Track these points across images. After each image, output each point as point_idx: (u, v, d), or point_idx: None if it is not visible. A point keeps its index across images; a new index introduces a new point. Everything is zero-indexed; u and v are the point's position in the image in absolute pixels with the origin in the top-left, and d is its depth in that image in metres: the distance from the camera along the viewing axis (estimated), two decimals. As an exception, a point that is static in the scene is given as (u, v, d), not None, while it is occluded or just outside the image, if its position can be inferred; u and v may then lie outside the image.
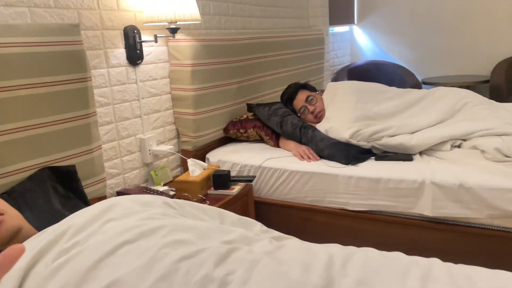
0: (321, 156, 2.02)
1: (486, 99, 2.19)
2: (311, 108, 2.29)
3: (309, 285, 0.77)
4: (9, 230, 0.95)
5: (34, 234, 1.03)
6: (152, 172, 2.01)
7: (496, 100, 2.35)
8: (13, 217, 0.99)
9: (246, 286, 0.76)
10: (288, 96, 2.38)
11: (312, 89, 2.45)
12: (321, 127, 2.12)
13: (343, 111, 2.11)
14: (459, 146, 1.93)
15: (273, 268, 0.81)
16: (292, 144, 2.14)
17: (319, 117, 2.27)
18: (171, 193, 1.88)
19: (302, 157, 2.03)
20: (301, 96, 2.34)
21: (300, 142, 2.14)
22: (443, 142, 1.92)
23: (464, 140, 1.93)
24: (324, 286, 0.77)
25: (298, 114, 2.33)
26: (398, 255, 0.90)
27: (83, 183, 1.52)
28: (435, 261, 0.86)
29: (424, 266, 0.83)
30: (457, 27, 4.19)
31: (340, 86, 2.34)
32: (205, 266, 0.80)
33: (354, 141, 1.95)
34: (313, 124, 2.21)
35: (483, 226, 1.64)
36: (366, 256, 0.87)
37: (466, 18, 4.13)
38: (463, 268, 0.84)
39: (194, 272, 0.79)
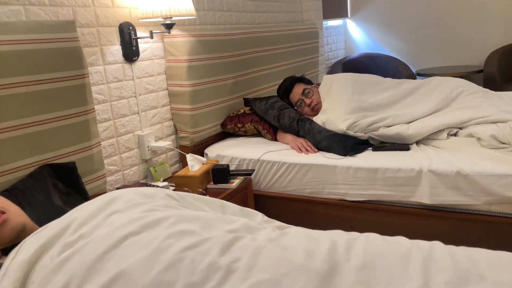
0: (319, 148, 2.04)
1: (480, 88, 2.21)
2: (307, 101, 2.30)
3: (313, 269, 0.78)
4: (13, 228, 0.96)
5: (37, 228, 1.03)
6: (151, 168, 2.02)
7: (490, 90, 2.37)
8: (16, 215, 0.99)
9: (252, 272, 0.78)
10: (285, 89, 2.39)
11: (308, 82, 2.46)
12: (318, 119, 2.13)
13: (340, 103, 2.12)
14: (455, 135, 1.95)
15: (277, 254, 0.82)
16: (289, 137, 2.15)
17: (315, 110, 2.28)
18: (171, 188, 1.88)
19: (300, 150, 2.04)
20: (298, 89, 2.35)
21: (297, 135, 2.15)
22: (440, 131, 1.94)
23: (460, 128, 1.95)
24: (328, 270, 0.79)
25: (295, 107, 2.34)
26: (399, 239, 0.91)
27: (84, 179, 1.52)
28: (436, 244, 0.87)
29: (425, 248, 0.85)
30: (450, 19, 4.20)
31: (336, 78, 2.35)
32: (210, 255, 0.81)
33: (351, 132, 1.97)
34: (310, 117, 2.22)
35: (481, 213, 1.66)
36: (369, 241, 0.89)
37: (459, 9, 4.14)
38: (464, 250, 0.85)
39: (200, 260, 0.80)
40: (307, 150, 2.02)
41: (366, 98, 2.16)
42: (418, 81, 2.34)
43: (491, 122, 1.87)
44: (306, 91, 2.32)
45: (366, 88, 2.24)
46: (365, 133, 2.00)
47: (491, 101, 2.06)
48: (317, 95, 2.33)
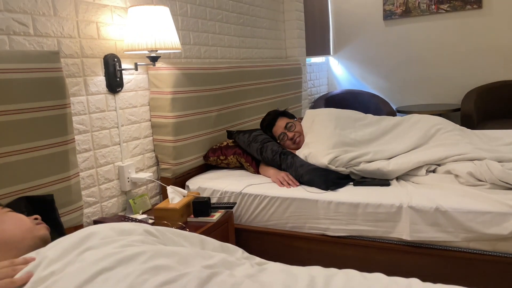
0: (301, 182, 2.04)
1: (457, 126, 2.28)
2: (290, 134, 2.33)
3: (291, 307, 0.77)
4: (47, 234, 1.05)
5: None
6: (130, 200, 1.98)
7: (467, 127, 2.44)
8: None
9: (229, 309, 0.76)
10: (268, 123, 2.42)
11: (291, 116, 2.49)
12: (301, 153, 2.14)
13: (322, 137, 2.15)
14: (434, 171, 1.99)
15: (255, 291, 0.80)
16: (271, 170, 2.16)
17: (297, 143, 2.30)
18: (150, 221, 1.85)
19: (282, 183, 2.04)
20: (280, 123, 2.38)
21: (280, 168, 2.16)
22: (419, 167, 1.98)
23: (438, 165, 1.99)
24: (306, 308, 0.77)
25: (278, 141, 2.36)
26: (378, 276, 0.90)
27: (60, 211, 1.49)
28: (414, 281, 0.87)
29: (403, 285, 0.84)
30: (429, 58, 4.37)
31: (319, 113, 2.39)
32: (186, 291, 0.79)
33: (333, 167, 1.98)
34: (292, 151, 2.24)
35: (459, 249, 1.67)
36: (347, 277, 0.88)
37: (438, 50, 4.32)
38: (441, 287, 0.85)
39: (175, 297, 0.78)
40: (288, 184, 2.03)
41: (348, 134, 2.20)
42: (398, 118, 2.40)
43: (468, 160, 1.91)
44: (288, 125, 2.35)
45: (348, 124, 2.28)
46: (346, 168, 2.01)
47: (468, 139, 2.12)
48: (299, 129, 2.36)
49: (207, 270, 0.86)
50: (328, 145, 2.07)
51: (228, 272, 0.88)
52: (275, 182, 2.08)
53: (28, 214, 1.35)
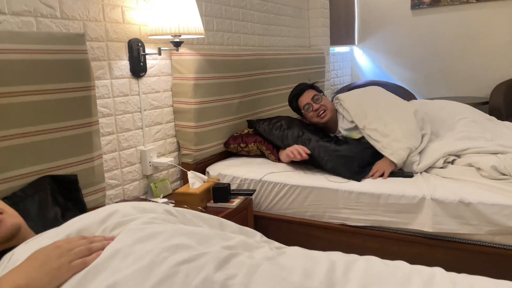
0: (324, 169, 2.02)
1: (486, 115, 2.21)
2: (315, 106, 2.30)
3: (310, 290, 0.76)
4: (9, 228, 0.95)
5: (32, 234, 1.02)
6: (152, 184, 2.01)
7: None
8: (12, 216, 0.99)
9: (247, 290, 0.75)
10: (296, 92, 2.41)
11: (319, 91, 2.46)
12: (373, 132, 2.06)
13: (406, 130, 2.03)
14: (452, 162, 1.94)
15: (273, 273, 0.80)
16: (287, 150, 2.12)
17: (321, 116, 2.28)
18: (171, 205, 1.87)
19: (293, 155, 2.01)
20: (308, 94, 2.36)
21: None
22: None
23: (458, 156, 1.94)
24: (325, 292, 0.76)
25: (302, 111, 2.34)
26: (400, 263, 0.89)
27: (83, 192, 1.52)
28: (437, 270, 0.85)
29: (426, 273, 0.83)
30: (457, 49, 4.24)
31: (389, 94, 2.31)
32: (205, 270, 0.79)
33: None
34: (350, 130, 2.21)
35: (484, 244, 1.63)
36: (368, 263, 0.86)
37: (466, 41, 4.19)
38: (465, 277, 0.83)
39: (194, 275, 0.78)
40: (299, 154, 1.99)
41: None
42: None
43: (491, 153, 1.86)
44: (315, 97, 2.33)
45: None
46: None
47: (492, 132, 2.07)
48: (326, 103, 2.32)
49: (226, 251, 0.86)
50: (410, 138, 1.99)
51: (247, 254, 0.88)
52: (288, 157, 2.06)
53: (52, 192, 1.39)
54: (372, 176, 1.92)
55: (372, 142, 2.04)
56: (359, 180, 1.89)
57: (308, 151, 2.00)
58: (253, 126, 2.40)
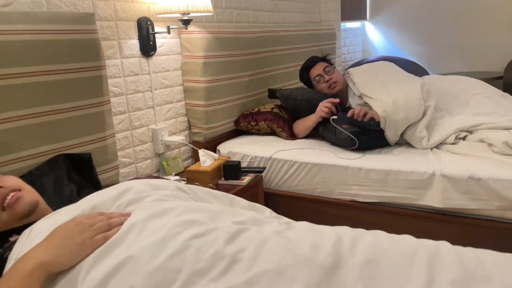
0: (333, 143, 2.08)
1: (499, 91, 2.18)
2: (326, 77, 2.33)
3: (317, 262, 0.78)
4: (27, 204, 0.99)
5: (50, 211, 1.06)
6: (164, 162, 2.04)
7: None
8: (30, 192, 1.02)
9: (256, 262, 0.78)
10: (308, 64, 2.44)
11: (331, 63, 2.48)
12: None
13: (409, 94, 2.07)
14: (463, 138, 1.93)
15: (282, 246, 0.82)
16: (311, 115, 2.22)
17: (333, 88, 2.31)
18: (183, 182, 1.90)
19: (326, 109, 2.12)
20: (320, 65, 2.39)
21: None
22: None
23: (470, 132, 1.93)
24: (332, 264, 0.79)
25: (313, 82, 2.38)
26: (406, 238, 0.90)
27: (97, 170, 1.55)
28: (443, 243, 0.87)
29: (432, 247, 0.84)
30: (470, 23, 4.14)
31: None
32: (216, 244, 0.82)
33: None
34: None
35: (493, 219, 1.63)
36: (375, 238, 0.88)
37: (479, 14, 4.08)
38: (471, 251, 0.85)
39: (205, 249, 0.81)
40: (330, 105, 2.12)
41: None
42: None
43: (504, 129, 1.84)
44: (327, 69, 2.36)
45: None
46: None
47: (505, 108, 2.04)
48: (337, 76, 2.35)
49: (236, 226, 0.89)
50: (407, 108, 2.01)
51: (257, 229, 0.91)
52: (321, 116, 2.15)
53: (67, 170, 1.42)
54: (353, 114, 1.98)
55: (367, 100, 2.12)
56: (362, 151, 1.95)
57: (334, 107, 2.12)
58: (274, 94, 2.44)
